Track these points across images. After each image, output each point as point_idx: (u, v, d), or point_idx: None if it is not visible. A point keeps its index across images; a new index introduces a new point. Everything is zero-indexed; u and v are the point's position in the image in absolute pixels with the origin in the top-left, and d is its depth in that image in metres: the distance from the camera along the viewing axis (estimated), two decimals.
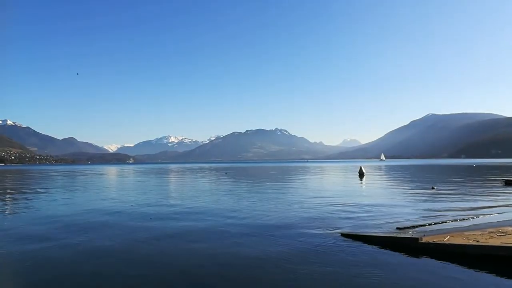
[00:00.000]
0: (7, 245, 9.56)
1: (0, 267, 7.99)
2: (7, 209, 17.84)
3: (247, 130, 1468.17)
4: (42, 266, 7.78)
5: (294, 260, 7.82)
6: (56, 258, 8.30)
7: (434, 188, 24.21)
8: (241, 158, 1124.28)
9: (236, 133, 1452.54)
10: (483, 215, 12.75)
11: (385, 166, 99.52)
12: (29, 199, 21.27)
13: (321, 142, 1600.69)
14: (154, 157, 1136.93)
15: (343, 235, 9.91)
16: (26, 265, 7.87)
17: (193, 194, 23.49)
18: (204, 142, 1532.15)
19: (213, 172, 67.20)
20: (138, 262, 7.94)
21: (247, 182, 35.61)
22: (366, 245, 8.91)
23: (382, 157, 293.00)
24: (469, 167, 75.21)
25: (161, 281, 6.73)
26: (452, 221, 11.45)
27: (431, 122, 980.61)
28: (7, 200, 21.86)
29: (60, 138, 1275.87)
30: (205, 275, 7.00)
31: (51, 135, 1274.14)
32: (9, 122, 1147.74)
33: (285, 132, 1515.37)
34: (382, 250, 8.43)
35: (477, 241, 8.27)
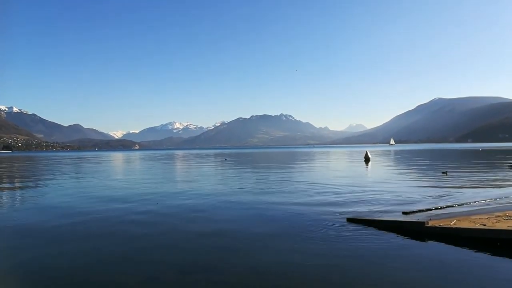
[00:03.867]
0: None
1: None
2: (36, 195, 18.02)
3: (252, 116, 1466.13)
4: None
5: (299, 244, 7.83)
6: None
7: (446, 173, 23.59)
8: (246, 143, 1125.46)
9: (241, 119, 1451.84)
10: (490, 199, 12.63)
11: (393, 151, 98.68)
12: (46, 185, 21.51)
13: (326, 127, 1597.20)
14: (160, 143, 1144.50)
15: (349, 220, 9.85)
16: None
17: (194, 179, 23.63)
18: (209, 128, 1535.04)
19: (217, 158, 67.38)
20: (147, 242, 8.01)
21: (249, 169, 35.67)
22: (372, 229, 8.89)
23: (392, 141, 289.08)
24: (475, 151, 74.67)
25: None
26: (458, 205, 11.38)
27: (438, 106, 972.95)
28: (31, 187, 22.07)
29: (66, 125, 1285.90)
30: (211, 259, 7.03)
31: (57, 122, 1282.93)
32: (15, 109, 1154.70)
33: (290, 118, 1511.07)
34: (388, 235, 8.40)
35: (484, 225, 8.22)
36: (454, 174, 23.44)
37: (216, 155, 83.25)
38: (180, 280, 5.99)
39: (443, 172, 24.02)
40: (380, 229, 8.88)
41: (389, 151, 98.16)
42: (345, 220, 9.87)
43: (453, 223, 8.52)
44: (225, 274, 6.23)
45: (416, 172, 26.95)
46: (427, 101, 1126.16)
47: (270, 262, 6.81)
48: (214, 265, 6.65)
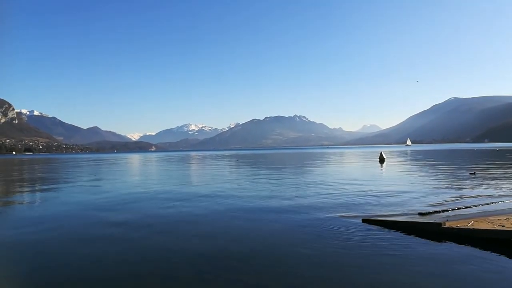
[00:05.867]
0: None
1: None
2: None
3: (266, 117, 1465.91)
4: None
5: (315, 245, 7.82)
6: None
7: (475, 173, 22.58)
8: (260, 145, 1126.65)
9: (255, 120, 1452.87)
10: (508, 200, 12.37)
11: (410, 151, 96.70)
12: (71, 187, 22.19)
13: (340, 128, 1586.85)
14: (175, 145, 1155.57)
15: (364, 220, 9.80)
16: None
17: (210, 180, 23.84)
18: (223, 130, 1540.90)
19: (231, 159, 67.84)
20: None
21: (263, 169, 35.81)
22: (387, 230, 8.83)
23: (408, 142, 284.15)
24: (492, 151, 73.18)
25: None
26: (475, 206, 11.17)
27: (454, 106, 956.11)
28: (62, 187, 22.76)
29: (85, 127, 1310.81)
30: (223, 257, 7.09)
31: (76, 125, 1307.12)
32: (36, 113, 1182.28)
33: (304, 119, 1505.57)
34: (404, 235, 8.33)
35: (503, 226, 8.06)
36: (483, 174, 22.60)
37: (230, 156, 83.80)
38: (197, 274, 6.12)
39: (471, 173, 23.00)
40: (395, 229, 8.81)
41: (406, 151, 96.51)
42: (361, 220, 9.82)
43: (471, 224, 8.38)
44: (241, 273, 6.28)
45: (439, 173, 25.86)
46: (442, 101, 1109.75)
47: (285, 261, 6.82)
48: (232, 265, 6.73)
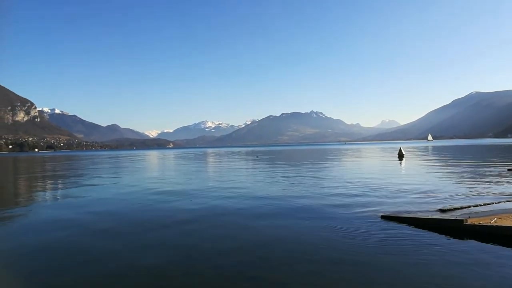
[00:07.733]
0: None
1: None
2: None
3: (282, 114, 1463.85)
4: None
5: (333, 242, 7.74)
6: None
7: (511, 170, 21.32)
8: (276, 141, 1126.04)
9: (271, 117, 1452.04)
10: None
11: (431, 147, 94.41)
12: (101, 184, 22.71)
13: (357, 123, 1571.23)
14: (192, 142, 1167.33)
15: (383, 217, 9.68)
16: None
17: (226, 176, 23.97)
18: (240, 126, 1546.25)
19: (249, 155, 67.96)
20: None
21: (280, 165, 35.65)
22: (407, 227, 8.68)
23: (429, 137, 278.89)
24: None
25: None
26: (498, 203, 10.88)
27: (475, 101, 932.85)
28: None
29: (104, 125, 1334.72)
30: (242, 254, 7.11)
31: (96, 123, 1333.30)
32: (57, 111, 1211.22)
33: (320, 115, 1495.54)
34: (424, 232, 8.16)
35: None
36: (491, 170, 21.89)
37: (247, 153, 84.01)
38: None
39: (509, 169, 21.66)
40: (415, 226, 8.66)
41: (427, 147, 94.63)
42: (379, 217, 9.70)
43: (494, 221, 8.18)
44: (256, 270, 6.26)
45: (463, 169, 24.49)
46: (463, 96, 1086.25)
47: (303, 257, 6.77)
48: (249, 260, 6.72)
